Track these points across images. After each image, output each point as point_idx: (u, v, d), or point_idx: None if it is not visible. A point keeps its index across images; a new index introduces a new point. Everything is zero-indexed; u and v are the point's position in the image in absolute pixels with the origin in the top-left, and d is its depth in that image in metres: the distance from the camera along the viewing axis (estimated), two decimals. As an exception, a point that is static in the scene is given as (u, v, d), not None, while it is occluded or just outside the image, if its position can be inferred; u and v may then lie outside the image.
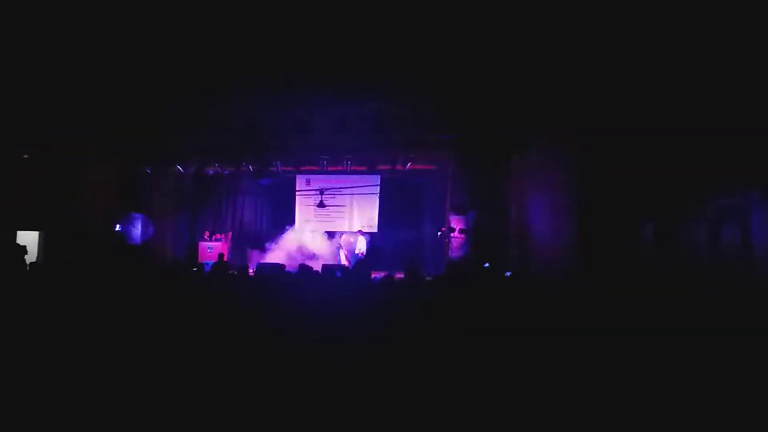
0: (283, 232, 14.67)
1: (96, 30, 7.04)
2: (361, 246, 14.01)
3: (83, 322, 3.94)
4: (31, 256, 9.08)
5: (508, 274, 8.86)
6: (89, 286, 5.41)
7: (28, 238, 9.79)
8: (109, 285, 5.49)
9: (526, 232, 10.34)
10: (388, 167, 12.63)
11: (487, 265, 9.65)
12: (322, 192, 14.15)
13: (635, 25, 6.21)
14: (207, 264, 9.87)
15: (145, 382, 3.14)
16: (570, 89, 8.08)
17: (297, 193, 14.84)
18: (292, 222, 14.91)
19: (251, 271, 8.78)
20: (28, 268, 6.50)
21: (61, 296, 4.79)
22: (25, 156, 10.16)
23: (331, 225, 14.70)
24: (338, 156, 12.81)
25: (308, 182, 14.52)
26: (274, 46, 7.54)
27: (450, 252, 11.96)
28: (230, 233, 15.08)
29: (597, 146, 7.64)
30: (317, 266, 9.06)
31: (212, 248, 13.59)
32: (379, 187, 14.52)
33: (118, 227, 11.98)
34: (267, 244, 14.51)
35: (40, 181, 10.29)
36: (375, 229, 14.64)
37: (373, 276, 6.45)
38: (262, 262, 12.38)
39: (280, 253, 13.69)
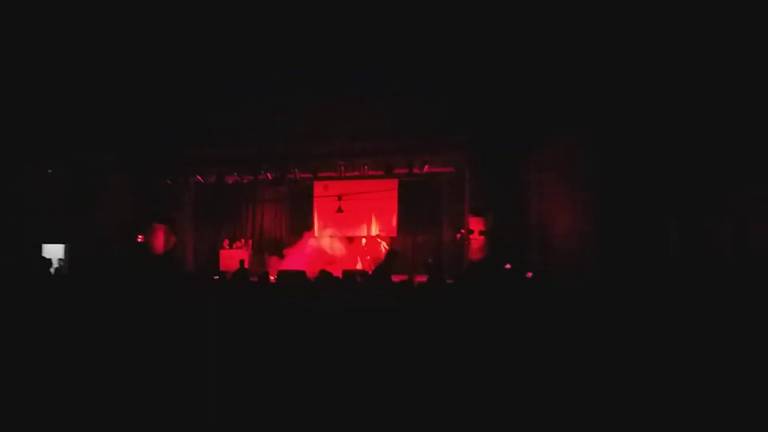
0: (302, 239, 14.72)
1: (114, 43, 7.18)
2: (380, 250, 13.97)
3: (107, 329, 3.98)
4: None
5: (529, 275, 8.73)
6: (113, 294, 5.48)
7: (53, 251, 9.97)
8: (133, 293, 5.54)
9: (546, 233, 10.19)
10: (405, 171, 12.54)
11: (508, 266, 9.52)
12: (340, 197, 14.12)
13: (647, 26, 6.16)
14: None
15: (167, 385, 3.16)
16: (582, 90, 7.99)
17: (315, 198, 14.88)
18: (310, 228, 14.96)
19: (272, 277, 8.80)
20: (54, 279, 6.62)
21: (86, 305, 4.86)
22: (49, 171, 10.37)
23: (349, 230, 14.69)
24: (355, 161, 12.76)
25: (326, 188, 14.52)
26: (288, 50, 7.59)
27: (470, 254, 11.84)
28: (250, 240, 15.19)
29: (612, 144, 7.50)
30: (337, 272, 9.02)
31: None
32: (397, 191, 14.48)
33: (140, 237, 12.15)
34: (286, 251, 14.57)
35: (62, 194, 10.47)
36: (393, 233, 14.60)
37: (393, 280, 6.41)
38: (282, 269, 12.39)
39: (299, 259, 13.70)
